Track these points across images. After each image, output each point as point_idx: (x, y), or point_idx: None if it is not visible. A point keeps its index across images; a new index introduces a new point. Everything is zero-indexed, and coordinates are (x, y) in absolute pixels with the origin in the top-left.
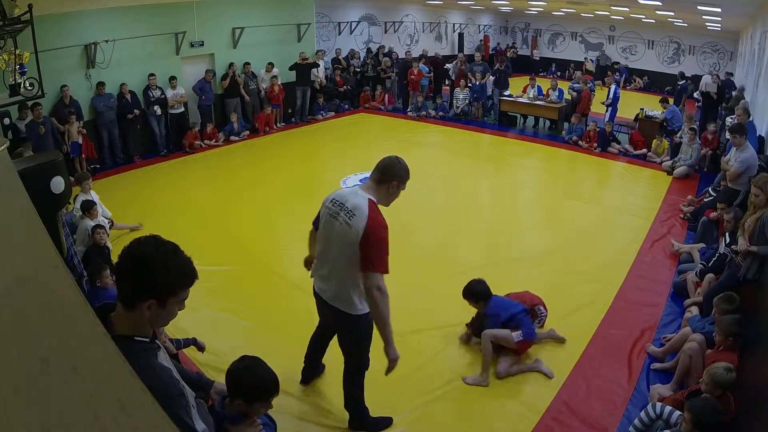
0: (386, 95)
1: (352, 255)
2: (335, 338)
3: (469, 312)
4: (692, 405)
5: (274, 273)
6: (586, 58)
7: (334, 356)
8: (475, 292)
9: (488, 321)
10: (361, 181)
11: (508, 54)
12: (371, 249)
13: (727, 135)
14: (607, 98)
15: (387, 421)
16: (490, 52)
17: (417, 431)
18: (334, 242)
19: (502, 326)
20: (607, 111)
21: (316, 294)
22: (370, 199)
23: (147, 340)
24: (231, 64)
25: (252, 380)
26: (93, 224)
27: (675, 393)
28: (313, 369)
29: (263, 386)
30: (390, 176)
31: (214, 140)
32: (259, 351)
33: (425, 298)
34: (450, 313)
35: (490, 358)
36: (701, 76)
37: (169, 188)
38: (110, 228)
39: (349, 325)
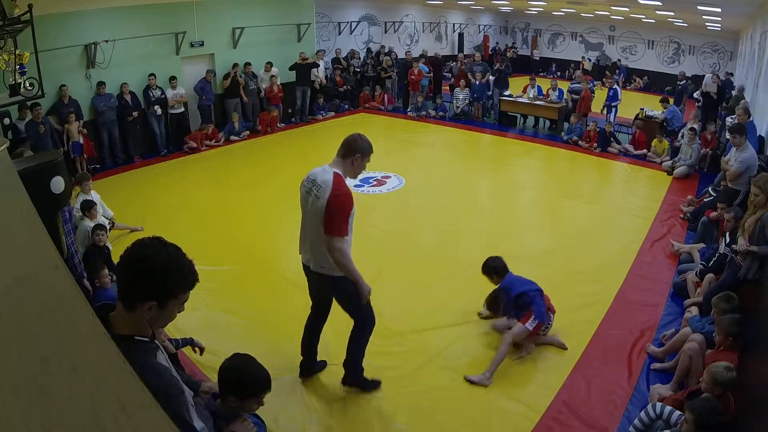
0: (385, 95)
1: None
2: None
3: (469, 312)
4: (693, 405)
5: (274, 273)
6: (583, 57)
7: (333, 357)
8: (491, 266)
9: (502, 294)
10: (361, 180)
11: (508, 54)
12: (331, 216)
13: (727, 135)
14: (614, 99)
15: (376, 383)
16: (489, 53)
17: (417, 431)
18: (309, 215)
19: (514, 301)
20: (610, 112)
21: (304, 266)
22: (335, 173)
23: (147, 339)
24: (234, 65)
25: (245, 378)
26: (92, 225)
27: (675, 393)
28: (311, 360)
29: (256, 383)
30: (352, 151)
31: (214, 140)
32: (259, 351)
33: (425, 298)
34: (450, 313)
35: (501, 360)
36: (701, 76)
37: (169, 188)
38: (111, 228)
39: (335, 285)
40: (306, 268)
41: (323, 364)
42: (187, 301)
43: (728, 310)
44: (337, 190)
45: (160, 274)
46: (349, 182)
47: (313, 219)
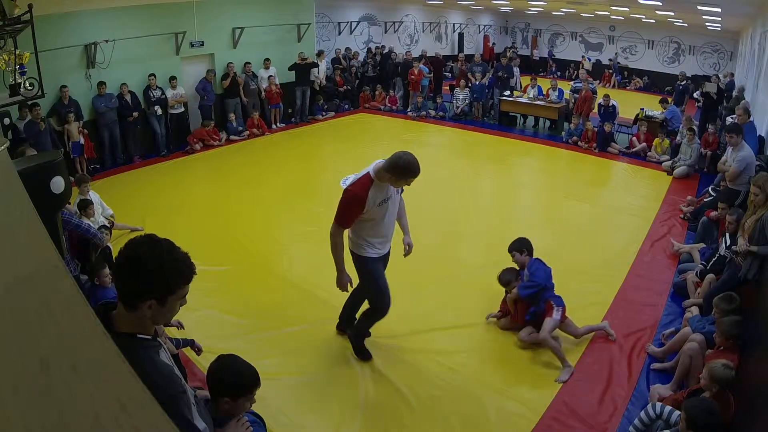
0: (387, 98)
1: None
2: None
3: (469, 312)
4: (687, 405)
5: (274, 273)
6: (583, 57)
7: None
8: (522, 241)
9: (526, 271)
10: None
11: (508, 54)
12: (338, 206)
13: (726, 137)
14: (613, 116)
15: (366, 355)
16: (497, 52)
17: (417, 431)
18: None
19: (536, 292)
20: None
21: None
22: (368, 173)
23: (149, 337)
24: (229, 64)
25: (234, 377)
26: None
27: (675, 393)
28: None
29: (246, 381)
30: (386, 163)
31: (216, 139)
32: (258, 351)
33: (425, 299)
34: (450, 314)
35: (559, 349)
36: (702, 76)
37: (169, 188)
38: (111, 227)
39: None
40: None
41: None
42: (187, 293)
43: (729, 311)
44: (351, 186)
45: (154, 273)
46: (347, 181)
47: None
